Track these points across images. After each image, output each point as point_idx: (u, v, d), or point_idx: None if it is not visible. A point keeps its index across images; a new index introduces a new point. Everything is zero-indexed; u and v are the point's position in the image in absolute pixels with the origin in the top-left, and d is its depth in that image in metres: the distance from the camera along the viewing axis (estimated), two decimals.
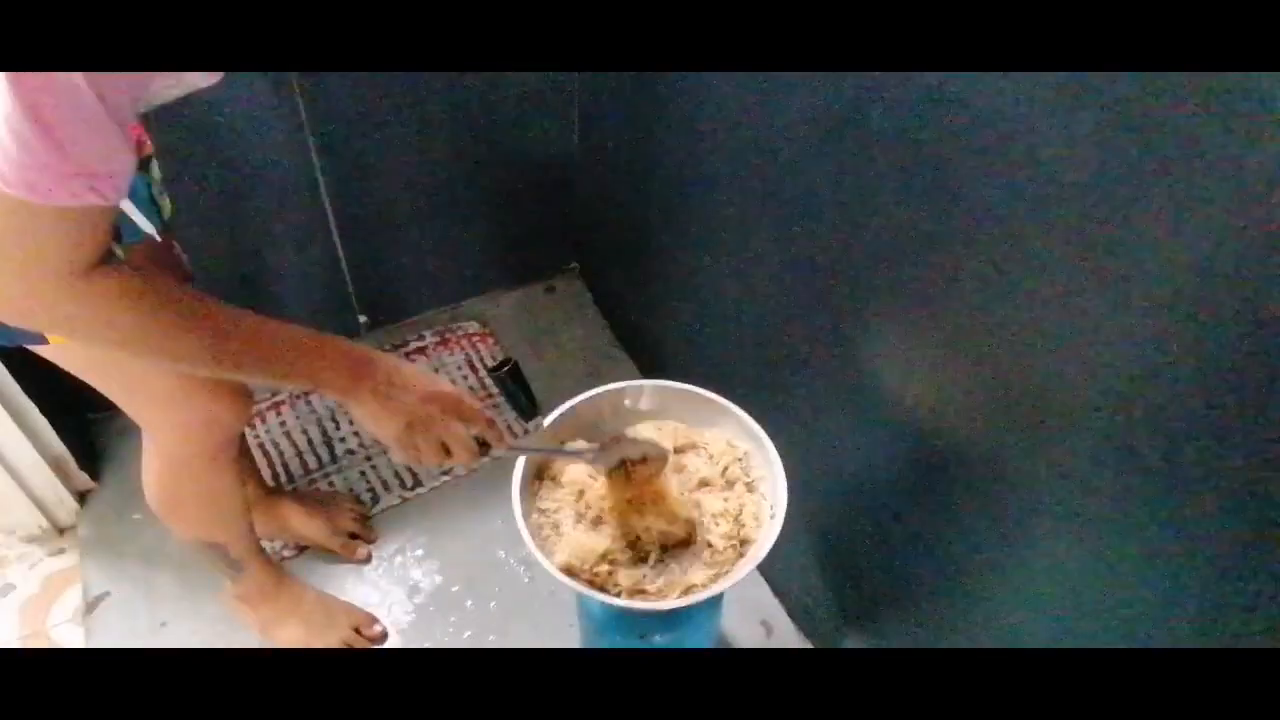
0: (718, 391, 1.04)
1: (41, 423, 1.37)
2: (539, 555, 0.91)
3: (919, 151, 0.79)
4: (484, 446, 0.84)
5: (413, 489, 1.53)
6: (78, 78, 0.53)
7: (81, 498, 1.49)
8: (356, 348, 0.79)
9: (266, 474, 1.51)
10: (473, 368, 1.71)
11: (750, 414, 1.01)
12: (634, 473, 0.95)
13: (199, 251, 1.28)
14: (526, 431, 1.44)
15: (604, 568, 0.93)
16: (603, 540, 0.95)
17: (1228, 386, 0.58)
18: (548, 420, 1.00)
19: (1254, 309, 0.55)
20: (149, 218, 1.01)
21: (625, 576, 0.93)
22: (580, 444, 0.99)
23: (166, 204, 1.09)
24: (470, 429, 0.82)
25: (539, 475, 1.01)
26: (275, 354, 0.75)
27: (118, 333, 0.67)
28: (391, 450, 0.81)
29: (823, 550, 1.23)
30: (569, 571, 0.92)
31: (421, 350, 1.73)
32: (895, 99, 0.80)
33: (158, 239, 1.02)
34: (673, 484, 0.98)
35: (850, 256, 0.94)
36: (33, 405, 1.34)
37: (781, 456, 0.97)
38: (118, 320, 0.66)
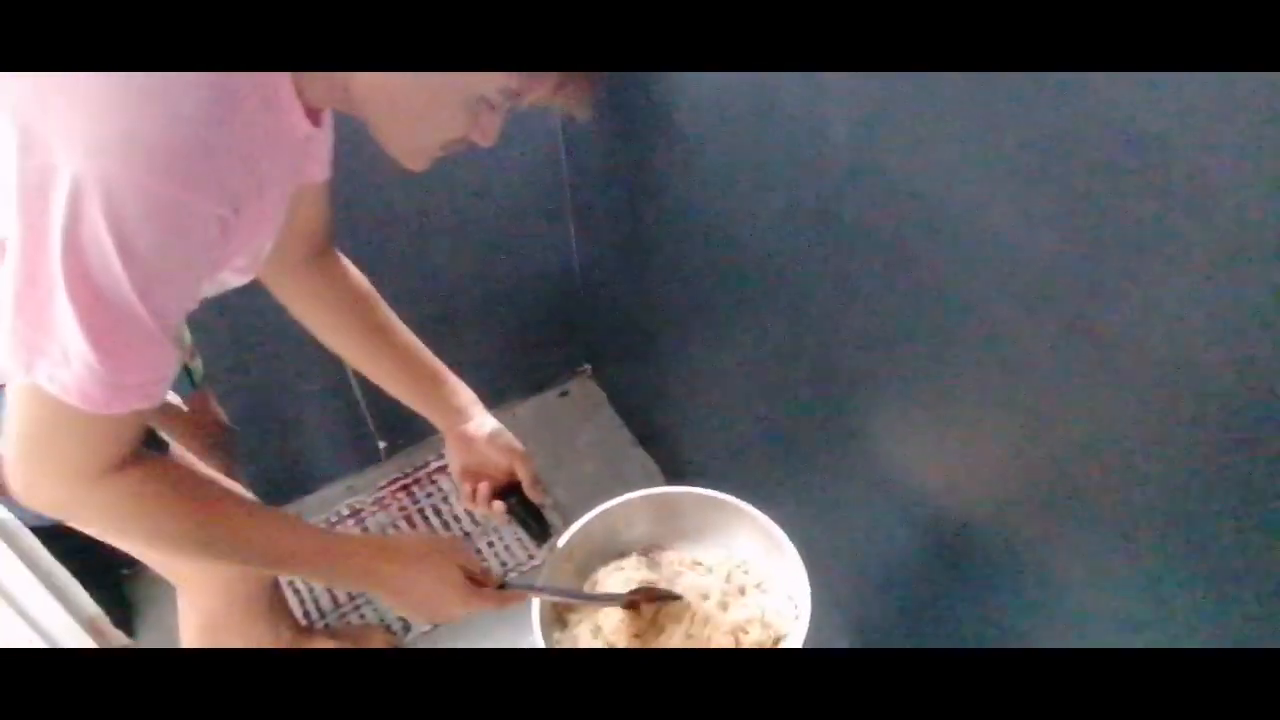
0: (737, 484, 1.02)
1: (73, 585, 1.37)
2: None
3: (892, 244, 0.80)
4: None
5: None
6: (132, 296, 0.54)
7: None
8: (365, 546, 0.82)
9: (298, 612, 1.50)
10: None
11: (768, 508, 0.99)
12: (644, 608, 0.95)
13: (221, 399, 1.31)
14: (541, 552, 1.47)
15: None
16: None
17: (1221, 454, 0.56)
18: (562, 540, 1.00)
19: (1237, 377, 0.54)
20: (180, 385, 1.04)
21: None
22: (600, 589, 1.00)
23: (199, 365, 1.13)
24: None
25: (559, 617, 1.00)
26: (290, 556, 0.76)
27: (143, 524, 0.68)
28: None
29: (851, 639, 1.19)
30: None
31: (442, 469, 1.73)
32: (864, 194, 0.81)
33: (184, 408, 1.06)
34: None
35: (842, 348, 0.94)
36: (61, 568, 1.35)
37: (802, 548, 0.95)
38: (144, 511, 0.67)
